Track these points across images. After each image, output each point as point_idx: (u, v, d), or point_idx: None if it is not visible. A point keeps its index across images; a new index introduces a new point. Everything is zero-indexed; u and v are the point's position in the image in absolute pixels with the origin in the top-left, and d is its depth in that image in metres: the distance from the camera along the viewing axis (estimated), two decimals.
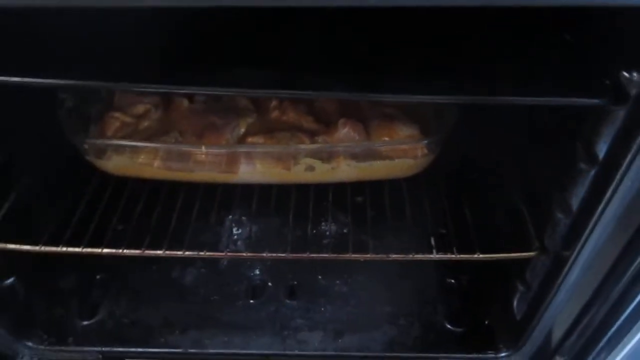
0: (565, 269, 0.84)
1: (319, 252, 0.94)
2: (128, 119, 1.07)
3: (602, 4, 0.57)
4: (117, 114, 1.07)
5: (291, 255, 0.94)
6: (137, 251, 0.95)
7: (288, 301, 1.17)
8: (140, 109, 1.09)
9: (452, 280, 1.19)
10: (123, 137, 1.03)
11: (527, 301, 0.97)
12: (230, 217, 1.23)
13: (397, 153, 0.99)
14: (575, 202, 0.80)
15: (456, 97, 0.71)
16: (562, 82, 0.69)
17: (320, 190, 1.10)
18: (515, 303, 1.02)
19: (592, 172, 0.73)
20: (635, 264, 0.79)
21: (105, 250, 0.95)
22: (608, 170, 0.70)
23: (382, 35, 0.79)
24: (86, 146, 0.98)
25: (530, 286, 0.96)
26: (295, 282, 1.20)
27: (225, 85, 0.72)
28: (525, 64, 0.74)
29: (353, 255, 0.94)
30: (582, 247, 0.79)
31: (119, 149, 1.00)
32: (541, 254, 0.91)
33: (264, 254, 0.96)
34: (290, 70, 0.72)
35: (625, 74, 0.63)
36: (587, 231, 0.77)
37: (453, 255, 0.93)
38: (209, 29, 0.79)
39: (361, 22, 0.77)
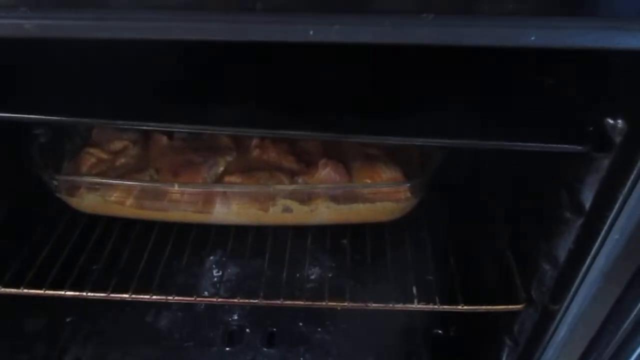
0: (554, 324, 0.79)
1: (293, 299, 0.89)
2: (104, 155, 1.04)
3: (583, 47, 0.54)
4: (92, 150, 1.04)
5: (264, 301, 0.89)
6: (103, 294, 0.90)
7: (266, 349, 1.11)
8: (118, 145, 1.06)
9: (439, 331, 1.14)
10: (98, 174, 1.00)
11: (516, 357, 0.91)
12: (205, 258, 1.18)
13: (379, 196, 0.95)
14: (561, 253, 0.75)
15: (432, 140, 0.68)
16: (544, 127, 0.66)
17: (299, 232, 1.05)
18: (503, 358, 0.96)
19: (578, 223, 0.69)
20: (628, 321, 0.74)
21: (69, 293, 0.90)
22: (594, 221, 0.66)
23: (366, 74, 0.76)
24: (56, 183, 0.94)
25: (518, 341, 0.90)
26: (275, 329, 1.15)
27: (202, 123, 0.69)
28: (506, 107, 0.71)
29: (329, 303, 0.88)
30: (571, 301, 0.75)
31: (91, 187, 0.97)
32: (528, 307, 0.86)
33: (236, 300, 0.91)
34: (271, 109, 0.69)
35: (610, 120, 0.60)
36: (575, 284, 0.73)
37: (435, 306, 0.88)
38: (189, 66, 0.77)
39: (346, 59, 0.74)
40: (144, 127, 0.82)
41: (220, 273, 1.16)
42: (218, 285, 1.11)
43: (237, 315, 1.17)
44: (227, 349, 1.11)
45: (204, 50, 0.73)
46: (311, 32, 0.50)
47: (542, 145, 0.65)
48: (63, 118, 0.70)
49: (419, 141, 0.66)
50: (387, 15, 0.49)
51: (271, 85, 0.75)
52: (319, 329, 1.15)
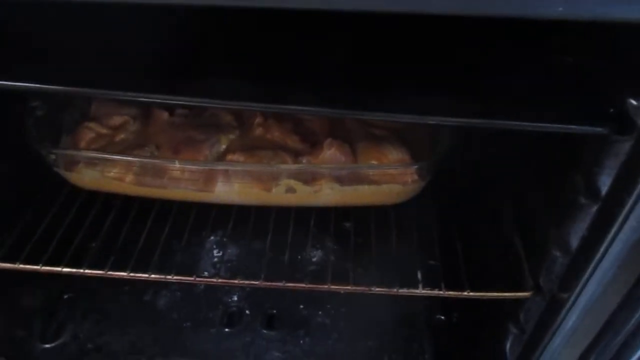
0: (562, 313, 0.77)
1: (295, 282, 0.87)
2: (103, 130, 1.01)
3: (613, 19, 0.50)
4: (91, 124, 1.01)
5: (265, 283, 0.87)
6: (100, 272, 0.88)
7: (265, 331, 1.10)
8: (117, 120, 1.04)
9: (442, 317, 1.12)
10: (97, 149, 0.97)
11: (521, 345, 0.89)
12: (205, 239, 1.16)
13: (385, 178, 0.92)
14: (574, 239, 0.73)
15: (448, 119, 0.65)
16: (562, 108, 0.63)
17: (302, 214, 1.03)
18: (507, 346, 0.94)
19: (594, 209, 0.67)
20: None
21: (66, 270, 0.88)
22: (611, 207, 0.63)
23: (378, 47, 0.73)
24: (53, 157, 0.91)
25: (524, 329, 0.88)
26: (275, 311, 1.13)
27: (204, 96, 0.66)
28: (523, 87, 0.68)
29: (332, 287, 0.86)
30: (582, 289, 0.72)
31: (89, 161, 0.94)
32: (536, 295, 0.83)
33: (237, 281, 0.89)
34: (275, 83, 0.66)
35: (633, 101, 0.57)
36: (587, 273, 0.70)
37: (440, 292, 0.86)
38: (191, 35, 0.74)
39: (354, 31, 0.71)
40: (144, 99, 0.78)
41: (220, 254, 1.14)
42: (218, 265, 1.09)
43: (237, 297, 1.16)
44: (226, 330, 1.09)
45: (206, 17, 0.70)
46: None
47: (561, 126, 0.62)
48: (58, 87, 0.67)
49: (432, 119, 0.62)
50: None
51: (275, 57, 0.71)
52: (320, 312, 1.13)
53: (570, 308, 0.76)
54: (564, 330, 0.79)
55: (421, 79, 0.68)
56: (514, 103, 0.65)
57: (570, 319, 0.77)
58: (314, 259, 1.11)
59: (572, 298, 0.74)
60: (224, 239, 1.13)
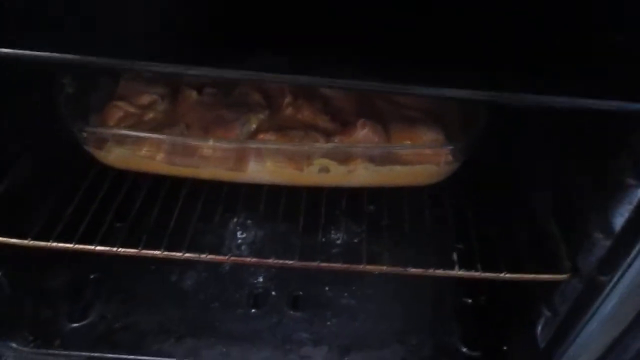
0: (602, 296, 0.76)
1: (329, 261, 0.86)
2: (132, 109, 1.00)
3: None
4: (120, 103, 1.00)
5: (299, 263, 0.86)
6: (134, 250, 0.88)
7: (292, 312, 1.09)
8: (145, 99, 1.02)
9: (469, 300, 1.12)
10: (126, 128, 0.96)
11: (554, 328, 0.89)
12: (235, 219, 1.16)
13: (419, 158, 0.91)
14: (618, 221, 0.72)
15: (487, 94, 0.63)
16: (608, 83, 0.61)
17: (333, 195, 1.02)
18: (539, 329, 0.93)
19: None
20: None
21: (99, 248, 0.87)
22: None
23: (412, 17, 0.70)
24: (85, 135, 0.90)
25: (558, 312, 0.87)
26: (300, 292, 1.13)
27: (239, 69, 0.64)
28: (567, 61, 0.66)
29: (367, 267, 0.86)
30: (624, 272, 0.72)
31: (120, 140, 0.93)
32: (573, 277, 0.83)
33: (270, 260, 0.88)
34: (309, 56, 0.64)
35: None
36: (631, 255, 0.69)
37: (476, 273, 0.85)
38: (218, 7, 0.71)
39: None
40: (169, 70, 0.75)
41: (252, 233, 1.14)
42: (249, 245, 1.09)
43: (262, 278, 1.15)
44: (253, 310, 1.10)
45: None
46: None
47: (608, 103, 0.61)
48: (91, 58, 0.65)
49: (482, 95, 0.61)
50: None
51: (305, 26, 0.69)
52: (345, 294, 1.13)
53: (609, 292, 0.75)
54: (601, 314, 0.78)
55: (460, 52, 0.66)
56: (558, 80, 0.64)
57: (610, 303, 0.76)
58: (347, 240, 1.11)
59: (613, 281, 0.74)
60: (255, 219, 1.13)
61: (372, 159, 0.91)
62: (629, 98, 0.60)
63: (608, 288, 0.75)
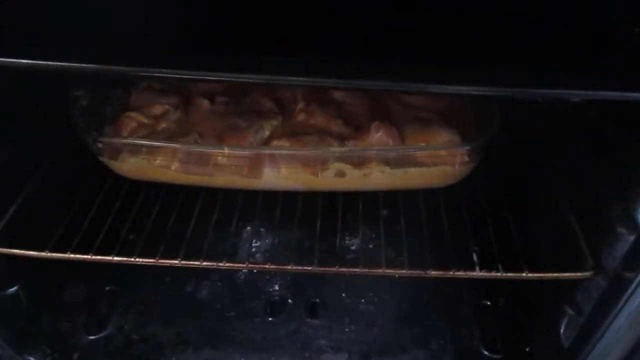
0: (627, 293, 0.75)
1: (349, 266, 0.86)
2: (145, 120, 1.01)
3: None
4: (133, 114, 1.00)
5: (318, 268, 0.86)
6: (151, 260, 0.87)
7: (310, 319, 1.08)
8: (158, 109, 1.03)
9: (488, 302, 1.10)
10: (140, 138, 0.96)
11: (578, 327, 0.87)
12: (251, 226, 1.15)
13: (435, 160, 0.90)
14: None
15: (501, 89, 0.62)
16: (626, 75, 0.61)
17: (349, 199, 1.02)
18: (562, 329, 0.92)
19: None
20: None
21: (117, 258, 0.87)
22: None
23: (423, 15, 0.70)
24: (100, 145, 0.91)
25: (582, 310, 0.86)
26: (317, 300, 1.12)
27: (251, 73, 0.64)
28: (587, 56, 0.65)
29: (387, 270, 0.85)
30: None
31: (134, 150, 0.93)
32: (597, 275, 0.82)
33: (289, 267, 0.88)
34: (326, 58, 0.64)
35: None
36: None
37: (498, 274, 0.84)
38: (229, 10, 0.71)
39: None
40: (182, 76, 0.74)
41: (269, 240, 1.13)
42: (266, 252, 1.08)
43: (279, 286, 1.15)
44: (270, 319, 1.09)
45: None
46: None
47: (632, 94, 0.60)
48: (102, 66, 0.65)
49: (495, 91, 0.60)
50: None
51: (317, 28, 0.68)
52: (363, 300, 1.12)
53: (635, 288, 0.74)
54: (627, 311, 0.77)
55: (475, 47, 0.65)
56: (576, 72, 0.63)
57: (636, 300, 0.75)
58: (364, 244, 1.10)
59: (639, 277, 0.72)
60: (271, 226, 1.12)
61: (387, 162, 0.91)
62: None
63: (634, 284, 0.74)
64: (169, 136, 0.97)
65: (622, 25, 0.67)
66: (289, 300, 1.12)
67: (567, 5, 0.68)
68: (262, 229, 1.17)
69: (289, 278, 1.15)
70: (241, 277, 1.16)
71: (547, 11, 0.68)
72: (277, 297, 1.13)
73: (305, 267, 0.86)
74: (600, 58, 0.65)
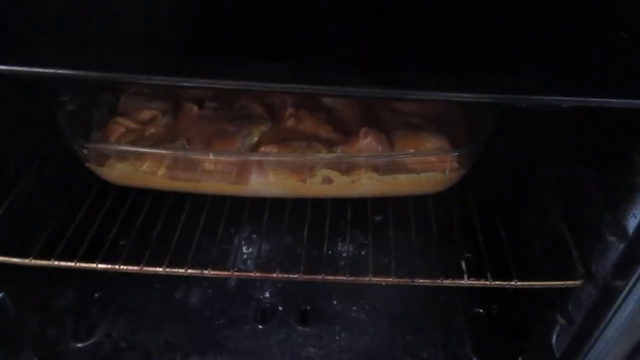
0: (618, 302, 0.74)
1: (335, 274, 0.84)
2: (133, 125, 1.00)
3: None
4: (121, 119, 0.99)
5: (305, 276, 0.85)
6: (136, 267, 0.86)
7: (300, 327, 1.07)
8: (146, 114, 1.02)
9: (481, 310, 1.09)
10: (127, 144, 0.95)
11: (570, 336, 0.86)
12: (239, 233, 1.14)
13: (424, 166, 0.89)
14: (631, 223, 0.70)
15: (492, 96, 0.61)
16: (616, 83, 0.60)
17: (338, 206, 1.01)
18: (554, 337, 0.90)
19: None
20: None
21: (101, 266, 0.86)
22: None
23: (408, 22, 0.69)
24: (86, 151, 0.90)
25: (573, 319, 0.85)
26: (308, 307, 1.11)
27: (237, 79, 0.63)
28: (572, 62, 0.64)
29: (374, 279, 0.84)
30: None
31: (121, 156, 0.92)
32: (587, 283, 0.80)
33: (275, 275, 0.87)
34: (313, 64, 0.63)
35: None
36: None
37: (487, 282, 0.83)
38: (213, 14, 0.70)
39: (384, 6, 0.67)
40: (168, 84, 0.73)
41: (256, 247, 1.12)
42: (254, 260, 1.07)
43: (269, 293, 1.13)
44: (260, 326, 1.07)
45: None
46: None
47: (617, 101, 0.59)
48: (85, 73, 0.64)
49: (487, 97, 0.59)
50: None
51: (304, 33, 0.67)
52: (354, 308, 1.11)
53: (626, 296, 0.73)
54: (619, 320, 0.75)
55: (463, 55, 0.64)
56: (567, 79, 0.62)
57: (626, 309, 0.74)
58: (352, 252, 1.09)
59: (630, 285, 0.71)
60: (259, 233, 1.11)
61: (375, 168, 0.90)
62: (636, 95, 0.58)
63: (624, 293, 0.72)
64: (157, 141, 0.97)
65: (610, 30, 0.66)
66: (280, 308, 1.11)
67: (555, 12, 0.67)
68: (249, 236, 1.15)
69: (279, 285, 1.14)
70: (232, 284, 1.15)
71: (534, 18, 0.67)
72: (267, 304, 1.12)
73: (292, 275, 0.85)
74: (588, 64, 0.64)
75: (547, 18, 0.67)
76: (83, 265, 0.86)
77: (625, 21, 0.65)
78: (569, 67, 0.63)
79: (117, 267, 0.86)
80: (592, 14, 0.65)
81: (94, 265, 0.86)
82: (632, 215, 0.69)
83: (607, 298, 0.76)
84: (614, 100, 0.57)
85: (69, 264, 0.86)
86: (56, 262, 0.86)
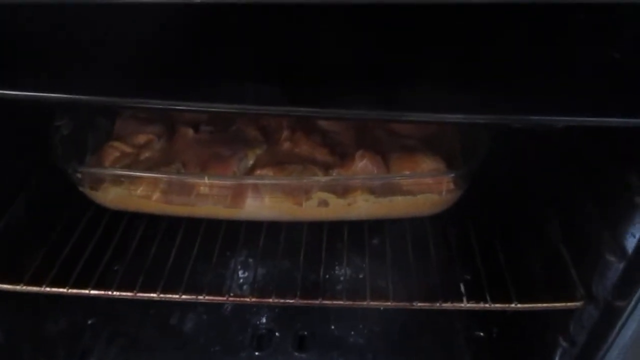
0: (620, 322, 0.72)
1: (332, 299, 0.83)
2: (128, 149, 0.99)
3: None
4: (116, 144, 0.99)
5: (301, 301, 0.83)
6: (129, 293, 0.85)
7: (297, 353, 1.06)
8: (142, 138, 1.02)
9: (481, 333, 1.07)
10: (121, 168, 0.95)
11: (572, 358, 0.84)
12: (235, 257, 1.13)
13: (420, 188, 0.89)
14: (630, 242, 0.69)
15: (488, 117, 0.61)
16: (612, 101, 0.60)
17: (335, 229, 1.00)
18: None
19: None
20: None
21: (93, 292, 0.85)
22: None
23: (400, 42, 0.69)
24: (80, 175, 0.89)
25: (575, 341, 0.83)
26: (306, 332, 1.09)
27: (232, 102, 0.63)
28: (564, 81, 0.64)
29: (372, 303, 0.82)
30: None
31: (116, 180, 0.92)
32: (588, 304, 0.79)
33: (271, 300, 0.85)
34: (308, 87, 0.63)
35: None
36: None
37: (486, 305, 0.81)
38: (207, 36, 0.70)
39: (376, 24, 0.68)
40: (160, 107, 0.72)
41: (252, 272, 1.11)
42: (250, 284, 1.06)
43: (265, 318, 1.12)
44: (257, 353, 1.05)
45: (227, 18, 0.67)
46: None
47: (614, 120, 0.59)
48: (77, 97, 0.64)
49: (482, 118, 0.59)
50: None
51: (298, 55, 0.67)
52: (352, 332, 1.09)
53: (628, 317, 0.71)
54: (621, 341, 0.74)
55: (454, 76, 0.64)
56: (562, 99, 0.62)
57: (629, 330, 0.73)
58: (349, 275, 1.08)
59: (631, 305, 0.70)
60: (255, 257, 1.10)
61: (372, 190, 0.89)
62: (630, 114, 0.58)
63: (626, 314, 0.71)
64: (153, 165, 0.96)
65: (603, 51, 0.67)
66: (276, 333, 1.09)
67: (548, 31, 0.67)
68: (245, 260, 1.14)
69: (276, 310, 1.12)
70: (227, 310, 1.13)
71: (528, 39, 0.68)
72: (264, 330, 1.10)
73: (288, 300, 0.84)
74: (582, 84, 0.64)
75: (541, 39, 0.68)
76: (75, 291, 0.84)
77: (617, 41, 0.66)
78: (563, 87, 0.63)
79: (110, 293, 0.85)
80: (585, 35, 0.66)
81: (87, 291, 0.85)
82: (630, 234, 0.68)
83: (609, 319, 0.75)
84: (608, 119, 0.57)
85: (61, 290, 0.85)
86: (48, 289, 0.84)
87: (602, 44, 0.65)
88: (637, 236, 0.67)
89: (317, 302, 0.83)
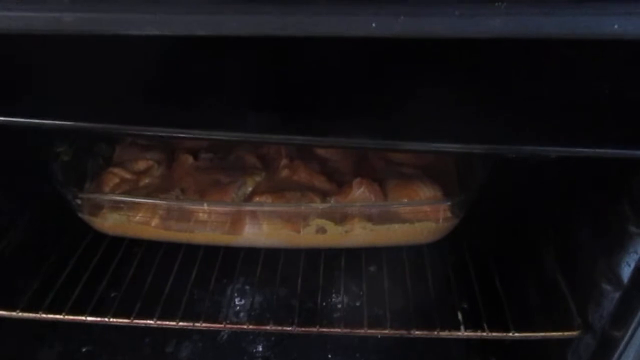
0: (617, 353, 0.73)
1: (330, 326, 0.83)
2: (127, 175, 1.00)
3: None
4: (115, 170, 1.00)
5: (299, 328, 0.83)
6: (126, 320, 0.84)
7: None
8: (142, 165, 1.03)
9: None
10: (120, 194, 0.95)
11: None
12: (232, 284, 1.12)
13: (418, 215, 0.90)
14: (625, 271, 0.69)
15: (484, 147, 0.62)
16: (604, 131, 0.61)
17: (332, 256, 1.00)
18: None
19: None
20: None
21: (90, 318, 0.84)
22: None
23: (391, 70, 0.71)
24: (79, 201, 0.90)
25: None
26: None
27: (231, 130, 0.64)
28: (556, 113, 0.66)
29: (369, 331, 0.82)
30: (638, 326, 0.68)
31: (115, 206, 0.92)
32: (585, 334, 0.79)
33: (269, 327, 0.85)
34: (306, 116, 0.64)
35: None
36: None
37: (484, 333, 0.81)
38: (207, 65, 0.72)
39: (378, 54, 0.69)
40: (156, 134, 0.73)
41: (249, 299, 1.10)
42: (247, 312, 1.05)
43: (262, 347, 1.10)
44: None
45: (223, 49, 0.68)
46: (374, 25, 0.47)
47: (607, 151, 0.60)
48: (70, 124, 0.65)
49: (477, 149, 0.60)
50: (456, 4, 0.46)
51: (293, 88, 0.69)
52: None
53: (625, 347, 0.72)
54: None
55: (450, 106, 0.66)
56: (556, 129, 0.63)
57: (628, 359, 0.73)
58: (347, 303, 1.07)
59: (627, 335, 0.70)
60: (252, 284, 1.10)
61: (369, 218, 0.90)
62: (623, 145, 0.60)
63: (622, 344, 0.71)
64: (151, 192, 0.97)
65: (595, 85, 0.68)
66: None
67: (542, 63, 0.69)
68: (242, 287, 1.14)
69: (273, 338, 1.11)
70: (223, 338, 1.12)
71: (522, 70, 0.69)
72: (260, 358, 1.08)
73: (286, 328, 0.83)
74: (574, 116, 0.66)
75: (536, 73, 0.70)
76: (71, 318, 0.84)
77: (609, 76, 0.67)
78: (557, 117, 0.65)
79: (106, 319, 0.84)
80: (577, 70, 0.68)
81: (83, 317, 0.84)
82: (626, 263, 0.69)
83: (606, 349, 0.75)
84: (600, 150, 0.58)
85: (57, 316, 0.84)
86: (44, 315, 0.84)
87: (595, 78, 0.67)
88: (632, 265, 0.68)
89: (314, 329, 0.83)
